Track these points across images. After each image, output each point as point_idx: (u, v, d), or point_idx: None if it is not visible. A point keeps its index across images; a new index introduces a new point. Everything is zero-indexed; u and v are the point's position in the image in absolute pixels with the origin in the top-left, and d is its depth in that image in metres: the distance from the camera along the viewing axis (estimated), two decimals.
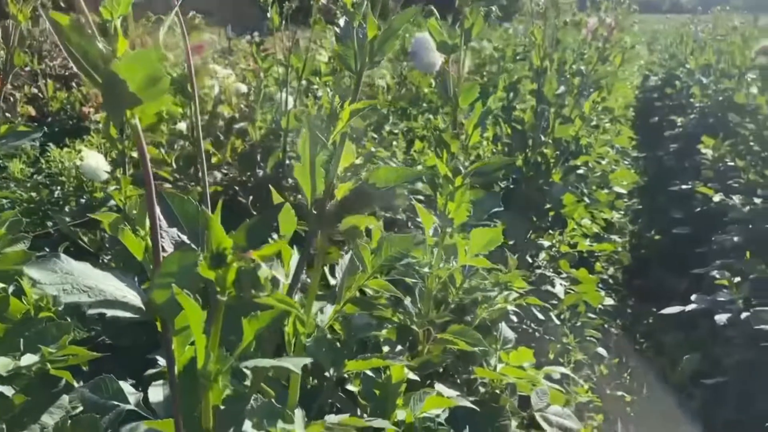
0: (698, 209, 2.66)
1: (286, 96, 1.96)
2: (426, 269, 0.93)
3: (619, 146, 2.98)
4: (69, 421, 0.67)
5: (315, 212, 0.55)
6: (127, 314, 0.45)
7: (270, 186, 0.70)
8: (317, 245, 0.58)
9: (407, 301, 0.94)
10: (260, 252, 0.36)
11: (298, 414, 0.47)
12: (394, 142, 2.61)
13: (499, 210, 1.66)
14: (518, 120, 1.69)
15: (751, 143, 2.76)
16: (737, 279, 1.68)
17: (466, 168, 0.96)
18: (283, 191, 1.92)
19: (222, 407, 0.48)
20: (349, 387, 0.76)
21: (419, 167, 1.95)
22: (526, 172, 1.71)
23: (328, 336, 0.65)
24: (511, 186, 1.81)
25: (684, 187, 2.82)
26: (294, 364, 0.47)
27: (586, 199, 2.47)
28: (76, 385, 0.72)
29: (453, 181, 0.90)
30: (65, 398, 0.72)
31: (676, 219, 2.94)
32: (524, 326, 1.76)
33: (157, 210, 0.49)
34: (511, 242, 1.81)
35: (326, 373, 0.70)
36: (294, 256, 0.58)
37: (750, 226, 1.99)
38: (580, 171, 2.44)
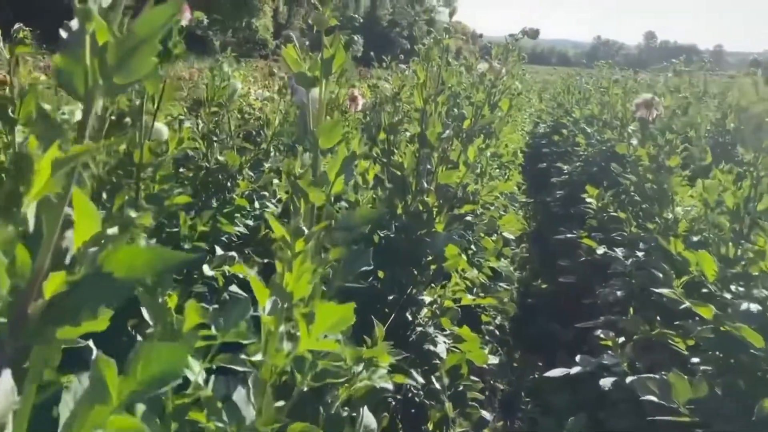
0: (583, 258, 2.64)
1: None
2: (259, 356, 0.73)
3: (507, 192, 2.94)
4: None
5: (8, 319, 0.35)
6: None
7: None
8: (31, 366, 0.37)
9: (231, 401, 0.73)
10: None
11: None
12: (275, 181, 2.41)
13: (376, 263, 1.48)
14: (397, 165, 1.54)
15: (632, 193, 2.80)
16: (621, 339, 1.60)
17: (315, 224, 0.78)
18: None
19: None
20: None
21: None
22: (406, 222, 1.57)
23: None
24: (392, 235, 1.66)
25: (569, 235, 2.80)
26: None
27: (473, 247, 2.38)
28: None
29: (292, 246, 0.71)
30: None
31: (563, 267, 2.92)
32: (400, 395, 1.59)
33: None
34: (390, 297, 1.65)
35: None
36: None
37: (633, 281, 1.95)
38: (468, 218, 2.35)
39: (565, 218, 3.52)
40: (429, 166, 1.74)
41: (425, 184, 1.65)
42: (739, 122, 3.32)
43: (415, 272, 1.62)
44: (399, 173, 1.51)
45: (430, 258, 1.62)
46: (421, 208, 1.58)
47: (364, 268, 1.09)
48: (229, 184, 2.17)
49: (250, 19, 26.27)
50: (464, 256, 2.15)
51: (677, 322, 1.52)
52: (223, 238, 2.02)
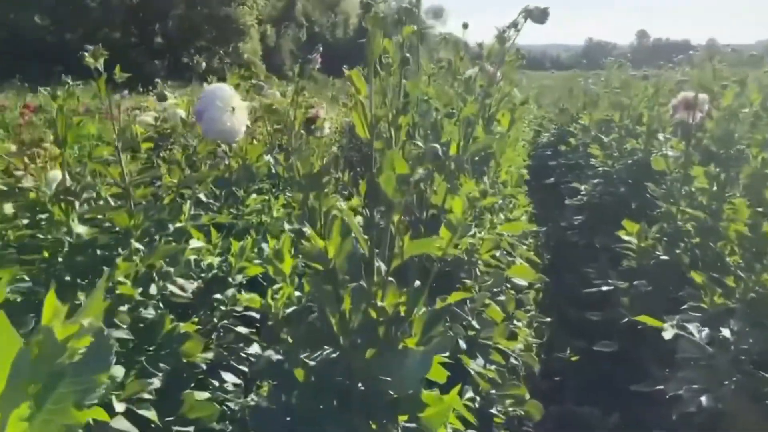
0: (625, 320, 1.94)
1: None
2: None
3: (516, 233, 2.24)
4: None
5: None
6: None
7: None
8: None
9: None
10: None
11: None
12: (194, 243, 1.74)
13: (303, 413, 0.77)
14: (314, 254, 0.83)
15: (680, 223, 2.10)
16: None
17: None
18: None
19: None
20: None
21: None
22: (347, 347, 0.87)
23: None
24: (334, 355, 0.96)
25: (605, 288, 2.10)
26: None
27: (474, 323, 1.68)
28: None
29: None
30: None
31: (595, 325, 2.22)
32: None
33: None
34: None
35: None
36: None
37: (725, 382, 1.25)
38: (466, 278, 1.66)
39: (589, 252, 2.82)
40: (392, 229, 1.05)
41: (382, 266, 0.95)
42: None
43: (374, 427, 0.92)
44: (320, 267, 0.82)
45: (397, 397, 0.92)
46: (374, 316, 0.88)
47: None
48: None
49: (236, 44, 25.74)
50: (465, 359, 1.46)
51: None
52: None
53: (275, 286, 0.97)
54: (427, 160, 0.85)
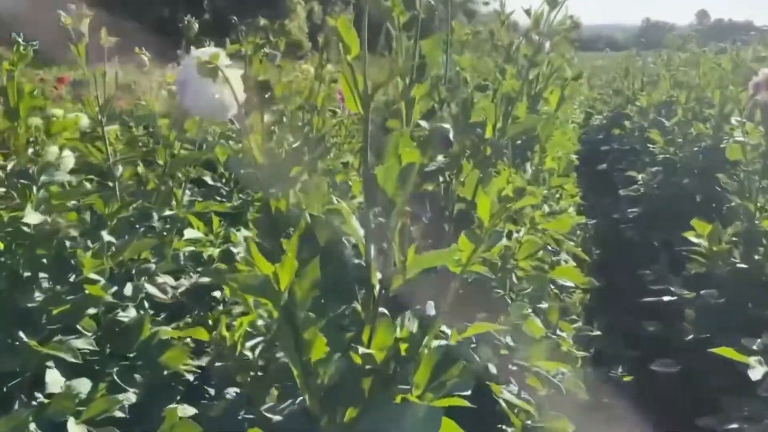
0: (690, 337, 1.64)
1: None
2: None
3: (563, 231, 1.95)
4: None
5: None
6: None
7: None
8: None
9: None
10: None
11: None
12: (191, 233, 1.54)
13: None
14: (256, 284, 0.57)
15: (758, 224, 1.77)
16: None
17: None
18: None
19: None
20: None
21: None
22: (317, 411, 0.61)
23: None
24: (307, 409, 0.71)
25: (667, 298, 1.80)
26: None
27: (509, 339, 1.42)
28: None
29: None
30: None
31: (651, 336, 1.93)
32: None
33: None
34: None
35: None
36: None
37: None
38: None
39: (646, 250, 2.50)
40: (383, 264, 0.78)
41: (376, 289, 0.70)
42: None
43: None
44: (268, 302, 0.57)
45: None
46: (359, 363, 0.63)
47: None
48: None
49: (282, 21, 25.66)
50: (495, 387, 1.20)
51: None
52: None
53: (234, 310, 0.73)
54: (433, 146, 0.59)
